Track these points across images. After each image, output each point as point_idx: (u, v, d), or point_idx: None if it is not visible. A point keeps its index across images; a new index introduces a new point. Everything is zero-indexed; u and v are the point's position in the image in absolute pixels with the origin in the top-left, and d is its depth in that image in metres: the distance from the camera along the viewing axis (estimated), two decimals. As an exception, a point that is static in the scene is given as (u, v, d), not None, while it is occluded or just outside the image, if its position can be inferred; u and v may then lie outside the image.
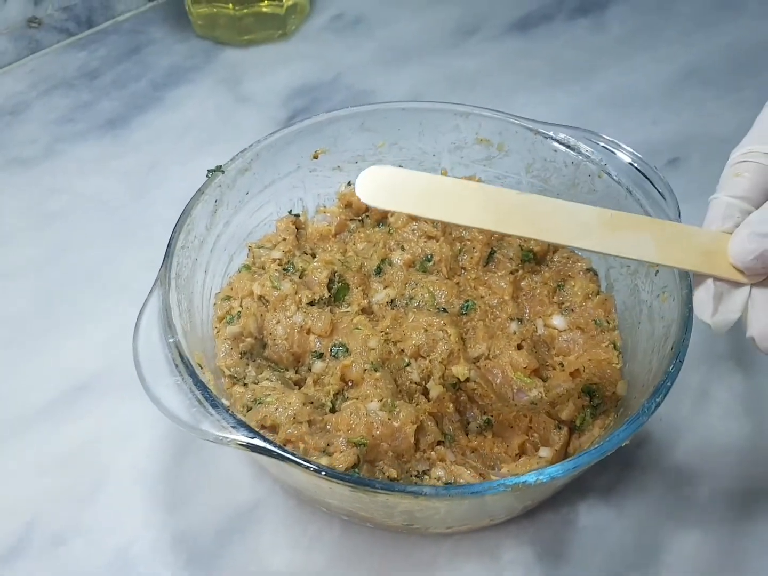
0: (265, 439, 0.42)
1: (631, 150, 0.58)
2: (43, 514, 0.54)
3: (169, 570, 0.51)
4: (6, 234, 0.74)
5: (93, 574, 0.51)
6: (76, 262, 0.71)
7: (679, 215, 0.54)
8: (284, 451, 0.42)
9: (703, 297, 0.40)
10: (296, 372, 0.57)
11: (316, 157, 0.64)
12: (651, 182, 0.56)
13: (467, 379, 0.56)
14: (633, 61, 0.93)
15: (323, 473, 0.41)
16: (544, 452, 0.52)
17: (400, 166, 0.66)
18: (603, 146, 0.59)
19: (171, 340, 0.46)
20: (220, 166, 0.57)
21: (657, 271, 0.55)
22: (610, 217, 0.41)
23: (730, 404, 0.60)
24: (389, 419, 0.51)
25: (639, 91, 0.89)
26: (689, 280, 0.49)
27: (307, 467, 0.41)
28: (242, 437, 0.42)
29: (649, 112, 0.85)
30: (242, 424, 0.43)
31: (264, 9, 0.96)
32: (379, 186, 0.40)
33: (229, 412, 0.43)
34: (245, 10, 0.95)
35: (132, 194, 0.77)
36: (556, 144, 0.61)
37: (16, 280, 0.69)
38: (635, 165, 0.57)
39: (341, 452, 0.48)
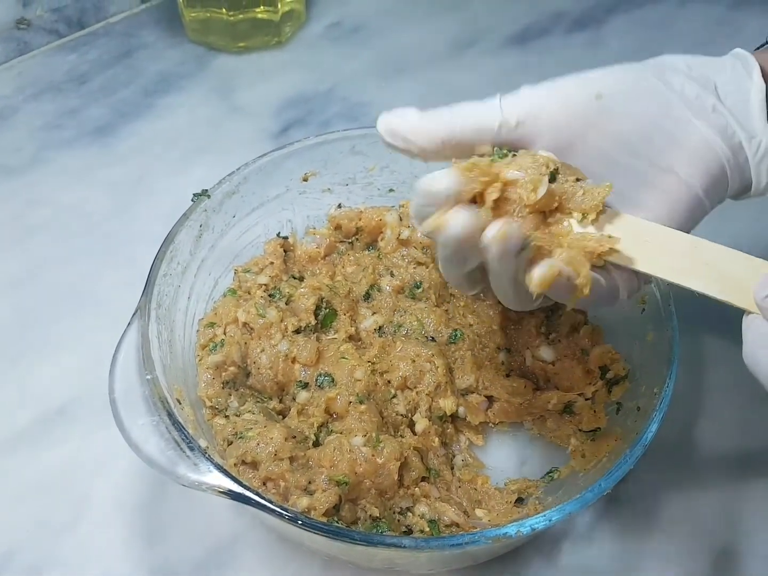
0: (243, 485, 0.41)
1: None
2: (19, 545, 0.53)
3: (145, 606, 0.50)
4: (-15, 248, 0.72)
5: (69, 608, 0.50)
6: (55, 279, 0.69)
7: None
8: (263, 498, 0.40)
9: None
10: (280, 401, 0.56)
11: (305, 180, 0.63)
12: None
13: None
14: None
15: (302, 523, 0.40)
16: None
17: (390, 190, 0.65)
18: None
19: (149, 377, 0.45)
20: (206, 190, 0.56)
21: (643, 309, 0.54)
22: None
23: (709, 446, 0.60)
24: (373, 455, 0.50)
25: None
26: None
27: (286, 517, 0.40)
28: (219, 483, 0.41)
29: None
30: (219, 468, 0.42)
31: (259, 15, 0.95)
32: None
33: (207, 455, 0.42)
34: (240, 16, 0.94)
35: (117, 207, 0.76)
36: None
37: (-7, 297, 0.68)
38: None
39: (323, 491, 0.47)
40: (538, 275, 0.37)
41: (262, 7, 0.94)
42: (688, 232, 0.42)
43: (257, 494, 0.41)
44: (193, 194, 0.56)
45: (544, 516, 0.41)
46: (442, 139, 0.42)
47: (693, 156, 0.41)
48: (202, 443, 0.43)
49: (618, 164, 0.42)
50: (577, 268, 0.38)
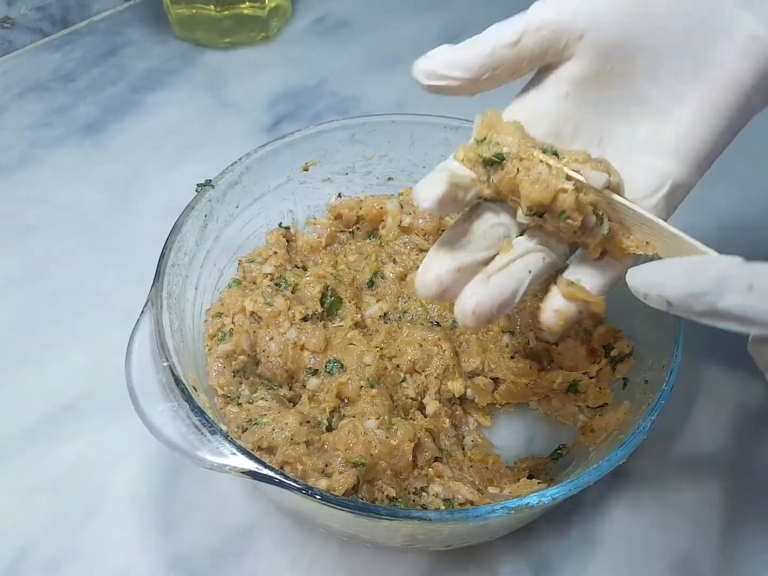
0: (266, 466, 0.41)
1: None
2: (35, 540, 0.52)
3: (165, 595, 0.50)
4: (-20, 248, 0.71)
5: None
6: (55, 277, 0.68)
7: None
8: (286, 478, 0.41)
9: None
10: (290, 389, 0.56)
11: (306, 170, 0.63)
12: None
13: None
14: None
15: (327, 500, 0.40)
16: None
17: (389, 178, 0.66)
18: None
19: (165, 364, 0.45)
20: (210, 180, 0.56)
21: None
22: None
23: (710, 420, 0.61)
24: (387, 437, 0.50)
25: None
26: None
27: (311, 495, 0.40)
28: (243, 465, 0.41)
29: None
30: (242, 450, 0.42)
31: (245, 11, 0.95)
32: None
33: (228, 438, 0.42)
34: (226, 12, 0.94)
35: (112, 205, 0.75)
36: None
37: (-6, 297, 0.67)
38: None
39: (340, 473, 0.47)
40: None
41: (248, 3, 0.94)
42: (737, 131, 0.41)
43: (281, 474, 0.41)
44: (197, 184, 0.56)
45: (564, 486, 0.42)
46: (479, 65, 0.39)
47: (741, 50, 0.39)
48: (223, 427, 0.44)
49: (664, 62, 0.40)
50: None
